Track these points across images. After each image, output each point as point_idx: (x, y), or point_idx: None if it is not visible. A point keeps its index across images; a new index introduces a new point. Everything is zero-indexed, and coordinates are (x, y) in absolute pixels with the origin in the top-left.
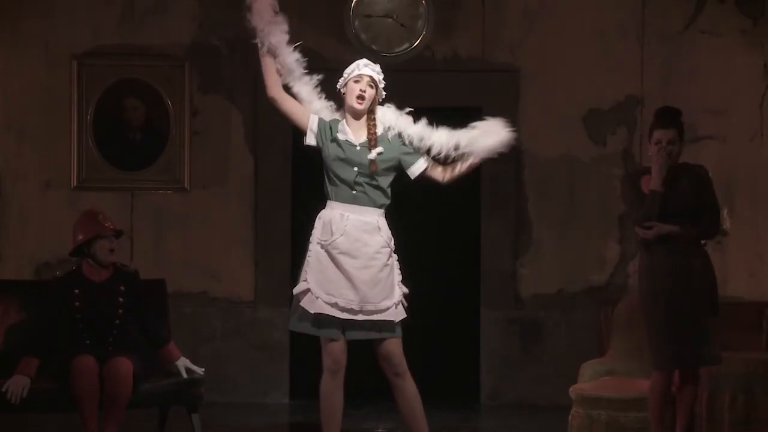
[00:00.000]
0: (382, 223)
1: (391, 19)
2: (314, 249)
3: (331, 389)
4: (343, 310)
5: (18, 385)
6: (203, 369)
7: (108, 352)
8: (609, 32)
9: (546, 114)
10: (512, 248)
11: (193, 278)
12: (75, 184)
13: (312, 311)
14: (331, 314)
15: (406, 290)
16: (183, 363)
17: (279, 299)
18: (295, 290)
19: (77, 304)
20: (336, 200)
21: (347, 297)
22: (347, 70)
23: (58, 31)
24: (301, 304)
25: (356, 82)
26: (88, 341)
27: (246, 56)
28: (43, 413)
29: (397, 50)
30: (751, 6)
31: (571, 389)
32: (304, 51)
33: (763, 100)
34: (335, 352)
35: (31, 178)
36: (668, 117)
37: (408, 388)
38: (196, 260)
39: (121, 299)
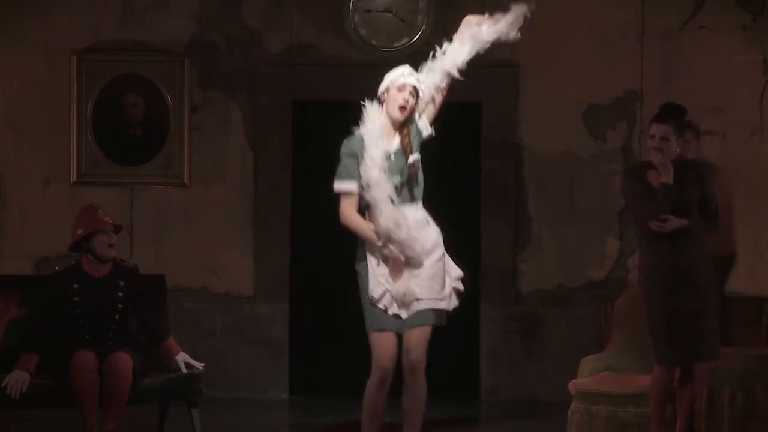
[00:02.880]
0: (427, 215)
1: (390, 14)
2: (373, 256)
3: (379, 394)
4: (412, 303)
5: (17, 380)
6: (203, 364)
7: (107, 348)
8: (609, 28)
9: (546, 110)
10: (512, 244)
11: (193, 274)
12: (75, 179)
13: (391, 312)
14: (415, 309)
15: (461, 273)
16: (182, 358)
17: (278, 295)
18: (375, 293)
19: (77, 299)
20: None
21: (414, 293)
22: (391, 76)
23: (58, 27)
24: (381, 305)
25: (399, 90)
26: (87, 336)
27: (245, 52)
28: (43, 409)
29: (396, 45)
30: (751, 2)
31: (570, 384)
32: (304, 46)
33: (762, 96)
34: (391, 348)
35: (31, 174)
36: (666, 112)
37: (419, 387)
38: (195, 256)
39: (120, 294)
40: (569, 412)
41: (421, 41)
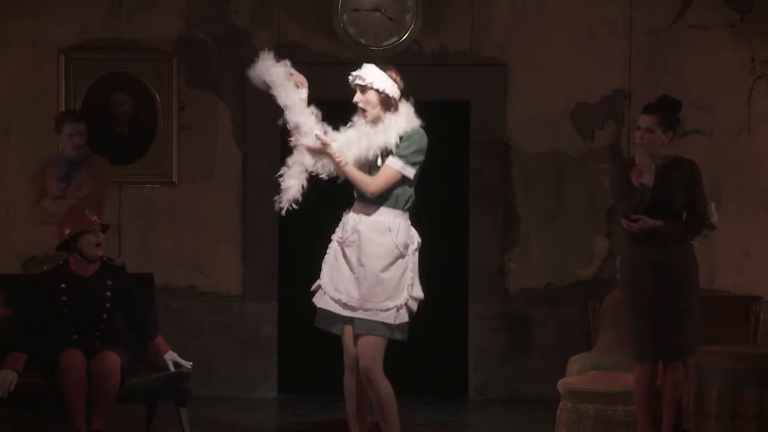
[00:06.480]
0: (396, 224)
1: (379, 13)
2: (332, 245)
3: (350, 384)
4: (345, 306)
5: (5, 379)
6: (191, 363)
7: (95, 347)
8: (597, 26)
9: (534, 108)
10: (500, 243)
11: (181, 272)
12: None
13: (319, 306)
14: (333, 311)
15: (419, 295)
16: (171, 357)
17: (267, 293)
18: (313, 287)
19: (64, 298)
20: (357, 200)
21: (351, 294)
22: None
23: (46, 25)
24: (313, 299)
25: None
26: (75, 336)
27: (233, 51)
28: (31, 408)
29: (385, 44)
30: (739, 1)
31: (559, 383)
32: (292, 45)
33: (750, 95)
34: (348, 347)
35: (19, 172)
36: (655, 103)
37: (375, 393)
38: (183, 254)
39: (108, 293)
40: (558, 410)
41: (409, 40)
